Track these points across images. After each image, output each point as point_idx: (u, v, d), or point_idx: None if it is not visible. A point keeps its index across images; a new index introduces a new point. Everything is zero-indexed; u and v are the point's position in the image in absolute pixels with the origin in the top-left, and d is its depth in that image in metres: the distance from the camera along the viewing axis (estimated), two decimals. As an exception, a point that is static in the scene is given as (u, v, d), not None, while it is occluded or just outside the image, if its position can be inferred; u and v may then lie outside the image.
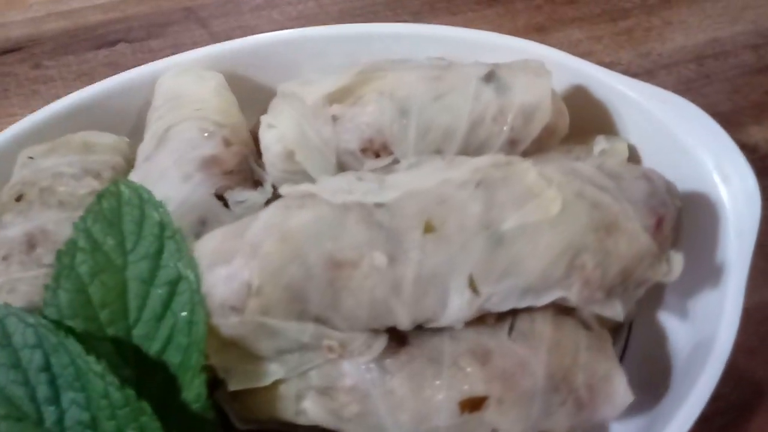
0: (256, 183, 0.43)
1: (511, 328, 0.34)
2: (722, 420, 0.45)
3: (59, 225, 0.37)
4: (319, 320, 0.32)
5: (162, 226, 0.32)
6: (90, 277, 0.32)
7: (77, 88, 0.48)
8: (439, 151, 0.41)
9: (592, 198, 0.33)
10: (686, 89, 0.64)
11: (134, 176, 0.40)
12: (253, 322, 0.31)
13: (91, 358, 0.30)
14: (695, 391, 0.35)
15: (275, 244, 0.31)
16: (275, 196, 0.39)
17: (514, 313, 0.34)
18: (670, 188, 0.35)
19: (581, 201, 0.33)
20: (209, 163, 0.39)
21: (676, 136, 0.44)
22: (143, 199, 0.32)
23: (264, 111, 0.44)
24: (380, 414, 0.33)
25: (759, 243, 0.49)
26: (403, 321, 0.32)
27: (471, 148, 0.41)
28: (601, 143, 0.46)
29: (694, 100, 0.64)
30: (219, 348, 0.32)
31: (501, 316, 0.34)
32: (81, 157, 0.42)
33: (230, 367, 0.33)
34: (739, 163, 0.42)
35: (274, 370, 0.33)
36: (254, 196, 0.39)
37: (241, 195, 0.38)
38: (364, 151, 0.40)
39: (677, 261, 0.34)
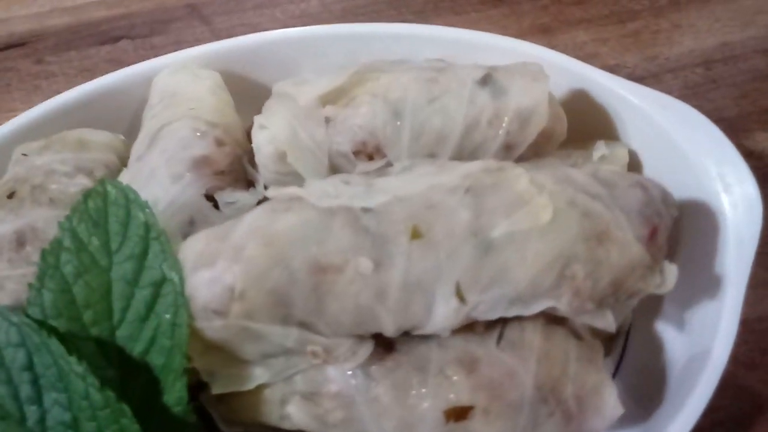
0: (250, 184, 0.42)
1: (500, 337, 0.34)
2: (720, 432, 0.44)
3: (49, 223, 0.37)
4: (303, 325, 0.32)
5: (147, 227, 0.32)
6: (74, 277, 0.31)
7: (79, 84, 0.48)
8: (433, 155, 0.40)
9: (584, 206, 0.32)
10: (693, 94, 0.63)
11: (126, 175, 0.40)
12: (236, 326, 0.31)
13: (73, 359, 0.30)
14: (690, 403, 0.35)
15: (259, 248, 0.30)
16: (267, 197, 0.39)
17: (503, 321, 0.34)
18: (665, 197, 0.34)
19: (573, 209, 0.32)
20: (200, 164, 0.39)
21: (677, 143, 0.43)
22: (129, 199, 0.32)
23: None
24: (365, 421, 0.33)
25: (761, 252, 0.48)
26: (388, 328, 0.32)
27: (466, 152, 0.40)
28: (601, 149, 0.45)
29: (700, 105, 0.63)
30: (203, 351, 0.32)
31: (490, 325, 0.34)
32: (75, 155, 0.42)
33: (214, 370, 0.32)
34: (740, 171, 0.41)
35: (259, 375, 0.33)
36: (245, 197, 0.38)
37: (231, 196, 0.38)
38: (356, 153, 0.39)
39: (671, 272, 0.33)
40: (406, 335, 0.33)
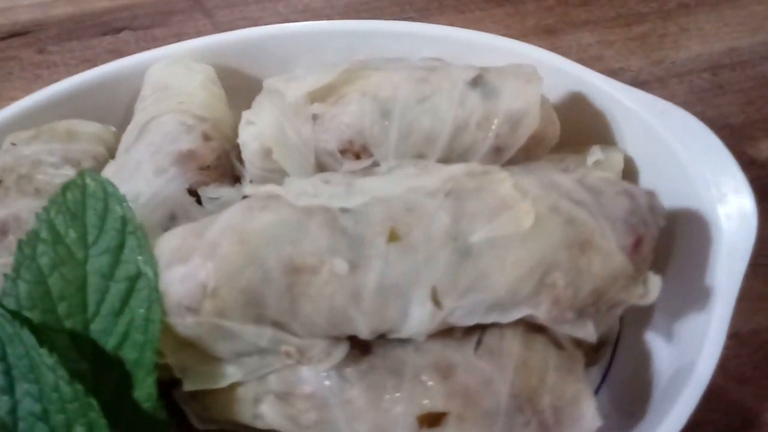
0: (238, 180, 0.42)
1: (478, 343, 0.33)
2: (708, 446, 0.43)
3: (33, 213, 0.37)
4: (277, 325, 0.31)
5: (124, 221, 0.32)
6: (50, 269, 0.31)
7: (79, 75, 0.48)
8: (422, 155, 0.39)
9: (568, 213, 0.31)
10: (698, 99, 0.62)
11: (112, 167, 0.40)
12: (209, 323, 0.31)
13: (44, 351, 0.29)
14: (671, 416, 0.34)
15: (233, 246, 0.30)
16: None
17: (482, 328, 0.33)
18: (653, 206, 0.34)
19: (556, 216, 0.31)
20: (185, 158, 0.38)
21: (673, 149, 0.42)
22: (108, 192, 0.32)
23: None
24: (338, 423, 0.32)
25: (758, 264, 0.46)
26: (363, 330, 0.31)
27: (455, 154, 0.40)
28: (596, 154, 0.44)
29: (705, 111, 0.62)
30: (176, 347, 0.32)
31: (469, 330, 0.33)
32: (63, 146, 0.42)
33: (187, 366, 0.32)
34: (737, 181, 0.40)
35: (232, 373, 0.32)
36: (229, 193, 0.38)
37: (215, 191, 0.38)
38: (343, 152, 0.39)
39: (655, 283, 0.33)
40: (383, 338, 0.33)
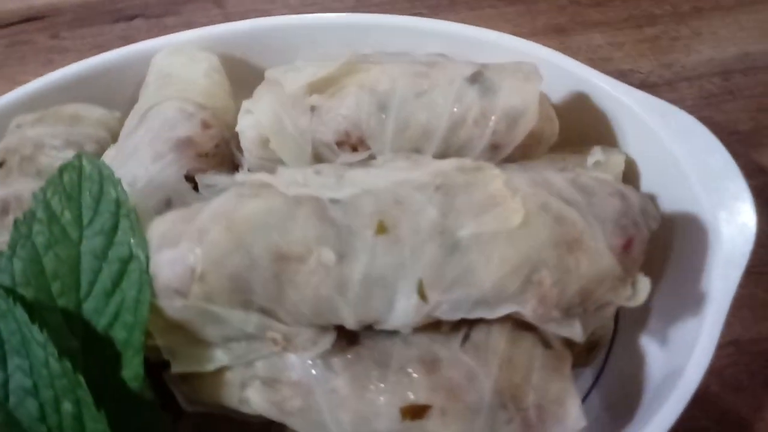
0: (237, 168, 0.43)
1: (465, 338, 0.33)
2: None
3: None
4: (263, 311, 0.32)
5: (119, 203, 0.32)
6: (45, 248, 0.32)
7: (90, 60, 0.49)
8: (418, 150, 0.40)
9: (558, 212, 0.31)
10: (707, 104, 0.61)
11: (112, 151, 0.41)
12: (196, 307, 0.31)
13: (35, 327, 0.30)
14: (655, 420, 0.34)
15: (221, 232, 0.30)
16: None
17: (470, 323, 0.33)
18: (646, 209, 0.33)
19: (545, 214, 0.31)
20: (184, 145, 0.39)
21: (674, 153, 0.42)
22: (103, 175, 0.33)
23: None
24: (322, 411, 0.33)
25: (762, 272, 0.46)
26: (349, 320, 0.32)
27: (452, 150, 0.40)
28: (596, 154, 0.44)
29: (713, 116, 0.61)
30: (165, 329, 0.32)
31: (457, 325, 0.33)
32: (67, 129, 0.42)
33: (175, 349, 0.33)
34: (738, 186, 0.40)
35: (219, 357, 0.33)
36: (225, 180, 0.38)
37: (211, 179, 0.38)
38: (340, 144, 0.39)
39: (644, 286, 0.32)
40: (371, 330, 0.33)
